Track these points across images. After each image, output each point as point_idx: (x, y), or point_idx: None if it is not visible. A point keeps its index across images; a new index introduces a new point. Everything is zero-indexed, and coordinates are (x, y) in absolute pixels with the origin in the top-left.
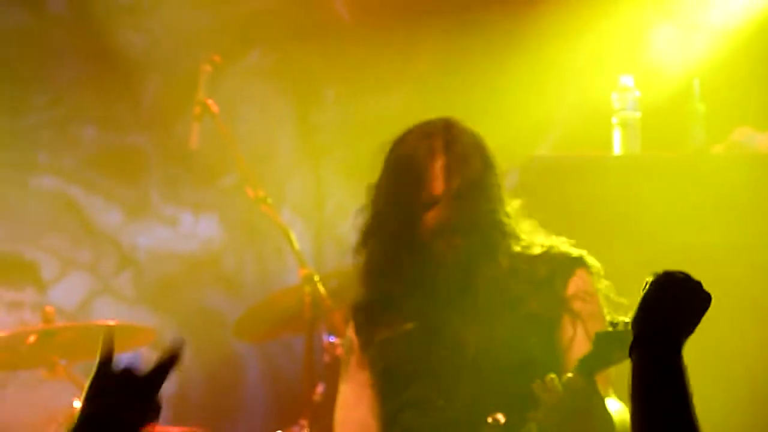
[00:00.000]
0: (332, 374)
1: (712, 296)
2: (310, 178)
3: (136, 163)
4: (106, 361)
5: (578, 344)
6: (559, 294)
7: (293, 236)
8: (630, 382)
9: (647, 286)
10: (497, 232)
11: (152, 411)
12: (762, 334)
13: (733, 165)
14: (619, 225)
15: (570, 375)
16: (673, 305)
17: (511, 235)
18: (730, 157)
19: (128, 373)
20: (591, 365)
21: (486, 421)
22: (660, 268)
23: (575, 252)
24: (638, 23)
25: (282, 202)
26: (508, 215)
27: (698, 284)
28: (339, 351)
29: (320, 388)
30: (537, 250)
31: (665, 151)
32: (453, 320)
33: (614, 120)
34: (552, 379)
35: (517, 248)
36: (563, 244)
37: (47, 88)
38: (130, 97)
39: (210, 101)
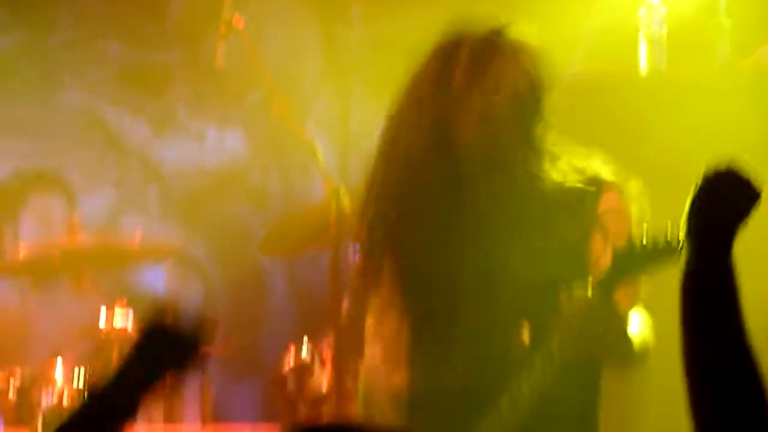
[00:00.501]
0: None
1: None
2: (335, 95)
3: (162, 79)
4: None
5: (605, 261)
6: (590, 213)
7: (319, 152)
8: (681, 278)
9: (698, 183)
10: (526, 164)
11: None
12: None
13: (759, 80)
14: (645, 142)
15: (586, 293)
16: (723, 201)
17: (545, 162)
18: (756, 72)
19: (175, 332)
20: (609, 282)
21: (513, 336)
22: (686, 184)
23: (608, 174)
24: None
25: (307, 118)
26: (538, 142)
27: (748, 179)
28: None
29: (346, 304)
30: (571, 175)
31: (691, 68)
32: (481, 243)
33: (641, 37)
34: (571, 296)
35: (552, 173)
36: (598, 165)
37: (73, 6)
38: (156, 14)
39: (236, 17)
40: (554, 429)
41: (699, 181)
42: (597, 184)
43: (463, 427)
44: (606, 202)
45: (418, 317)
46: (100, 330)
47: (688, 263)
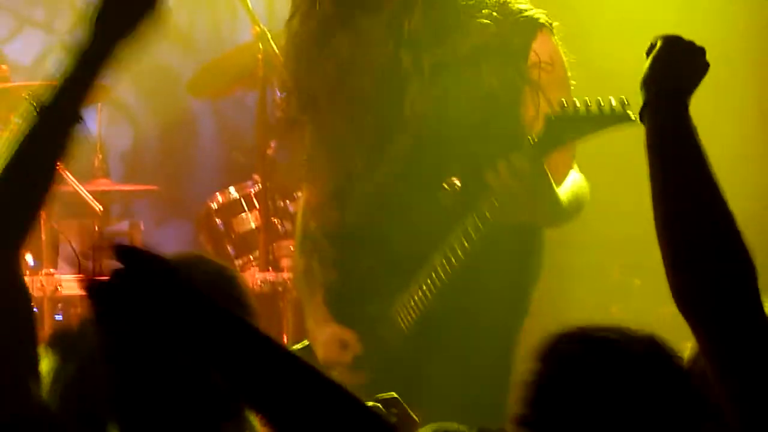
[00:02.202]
0: (284, 130)
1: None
2: None
3: None
4: None
5: (539, 122)
6: (519, 63)
7: None
8: (646, 140)
9: (655, 48)
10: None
11: None
12: None
13: None
14: None
15: (516, 157)
16: (682, 66)
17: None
18: None
19: None
20: (541, 147)
21: (442, 186)
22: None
23: (541, 15)
24: None
25: None
26: None
27: (702, 48)
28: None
29: (273, 144)
30: (502, 14)
31: None
32: (410, 80)
33: None
34: (505, 160)
35: (482, 13)
36: (530, 7)
37: None
38: None
39: None
40: (488, 285)
41: (658, 45)
42: (530, 25)
43: (395, 272)
44: (539, 47)
45: (348, 164)
46: None
47: (652, 124)
